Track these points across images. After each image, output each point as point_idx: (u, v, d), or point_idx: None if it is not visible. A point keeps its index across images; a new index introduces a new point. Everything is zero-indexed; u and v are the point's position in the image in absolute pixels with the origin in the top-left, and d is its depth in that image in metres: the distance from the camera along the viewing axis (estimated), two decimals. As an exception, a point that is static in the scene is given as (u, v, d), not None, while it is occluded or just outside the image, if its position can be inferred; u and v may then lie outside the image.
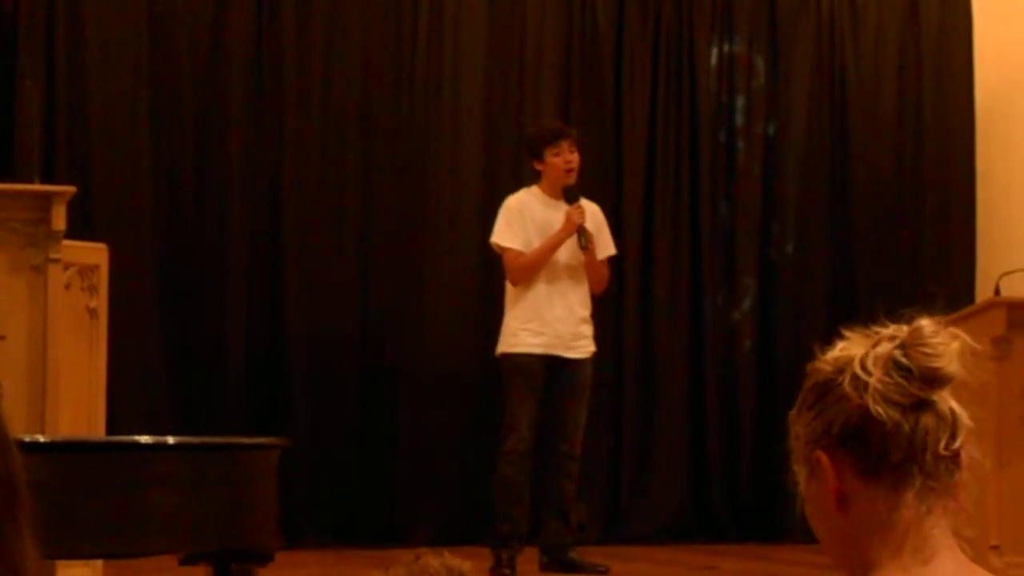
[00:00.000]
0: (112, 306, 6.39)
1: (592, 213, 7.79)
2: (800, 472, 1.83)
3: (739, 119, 9.85)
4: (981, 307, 6.99)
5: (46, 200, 5.68)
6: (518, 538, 7.62)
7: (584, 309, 7.76)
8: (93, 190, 8.26)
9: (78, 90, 8.52)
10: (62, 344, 5.67)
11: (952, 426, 1.77)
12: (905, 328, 1.79)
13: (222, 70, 8.86)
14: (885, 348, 1.77)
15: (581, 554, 7.80)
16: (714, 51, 9.81)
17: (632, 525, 9.30)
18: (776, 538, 8.92)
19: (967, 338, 1.78)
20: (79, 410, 6.12)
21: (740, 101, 9.85)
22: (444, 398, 9.00)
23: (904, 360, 1.76)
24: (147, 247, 8.57)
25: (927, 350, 1.76)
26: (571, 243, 7.67)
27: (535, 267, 7.65)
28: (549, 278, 7.68)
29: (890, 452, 1.76)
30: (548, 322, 7.64)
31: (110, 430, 6.54)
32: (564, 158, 7.71)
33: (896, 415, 1.75)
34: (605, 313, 8.81)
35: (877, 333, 1.80)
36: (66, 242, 5.78)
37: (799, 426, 1.82)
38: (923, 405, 1.76)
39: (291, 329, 8.85)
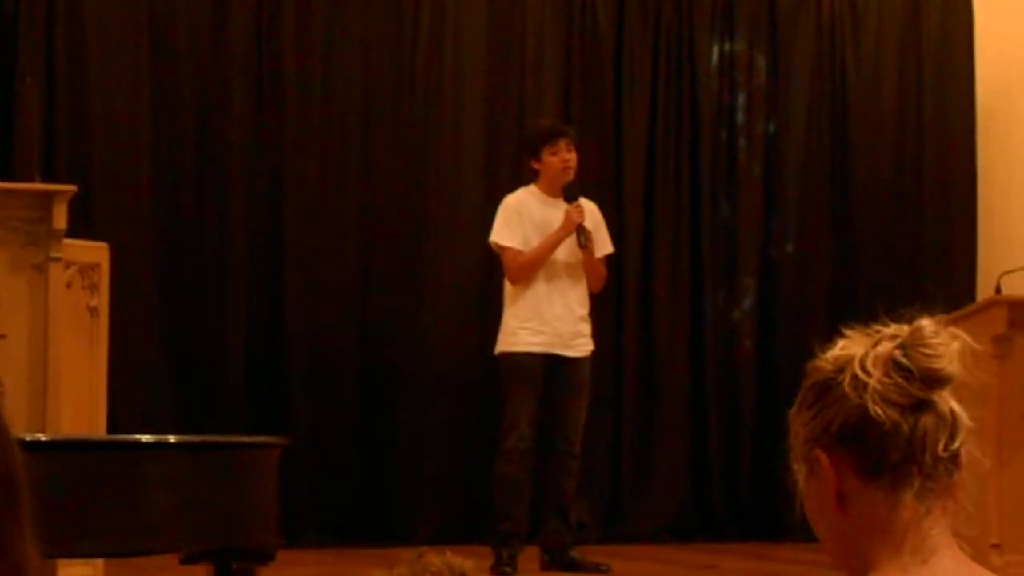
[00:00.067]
0: (112, 305, 6.39)
1: (590, 212, 7.80)
2: (799, 470, 1.83)
3: (739, 118, 9.85)
4: (982, 306, 6.99)
5: (47, 199, 5.68)
6: (519, 537, 7.62)
7: (583, 308, 7.76)
8: (93, 189, 8.26)
9: (78, 89, 8.52)
10: (63, 343, 5.67)
11: (952, 427, 1.77)
12: (906, 328, 1.79)
13: (222, 69, 8.86)
14: (885, 348, 1.77)
15: (582, 553, 7.80)
16: (715, 50, 9.81)
17: (632, 524, 9.30)
18: (776, 537, 8.92)
19: (968, 338, 1.78)
20: (80, 409, 6.12)
21: (740, 100, 9.85)
22: (444, 397, 9.00)
23: (904, 360, 1.76)
24: (147, 246, 8.57)
25: (927, 351, 1.76)
26: (570, 242, 7.68)
27: (534, 266, 7.66)
28: (548, 277, 7.69)
29: (889, 452, 1.76)
30: (547, 321, 7.65)
31: (111, 429, 6.54)
32: (561, 157, 7.71)
33: (895, 415, 1.75)
34: (605, 312, 8.81)
35: (878, 332, 1.80)
36: (67, 241, 5.78)
37: (798, 424, 1.82)
38: (923, 405, 1.76)
39: (291, 328, 8.85)
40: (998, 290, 7.20)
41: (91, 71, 8.54)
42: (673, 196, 9.63)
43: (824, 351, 1.82)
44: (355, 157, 9.08)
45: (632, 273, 9.45)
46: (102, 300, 6.30)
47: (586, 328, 7.78)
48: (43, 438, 4.75)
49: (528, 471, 7.68)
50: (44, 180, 6.61)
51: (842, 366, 1.78)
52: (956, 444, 1.77)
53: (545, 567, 7.74)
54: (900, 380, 1.75)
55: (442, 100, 9.24)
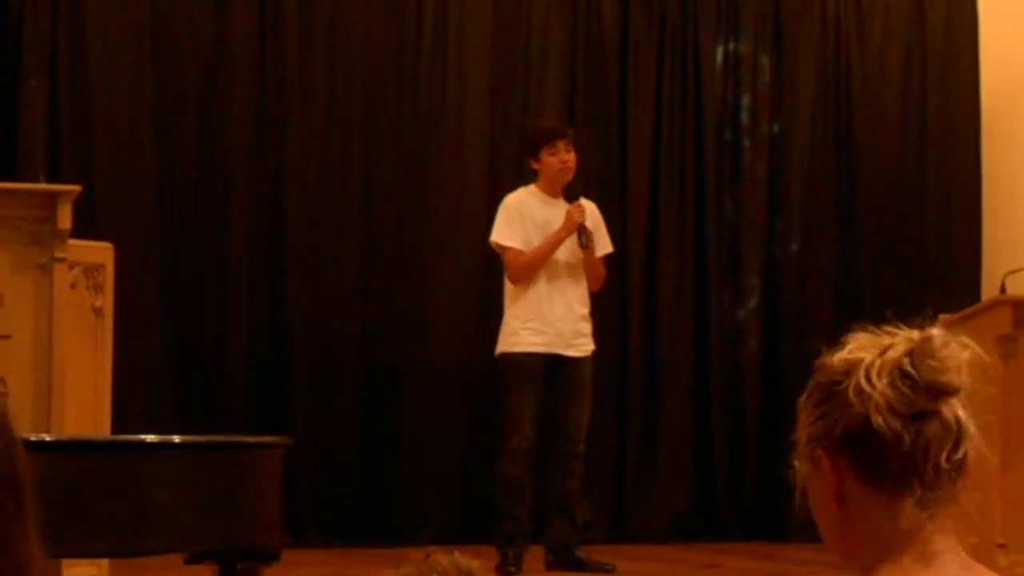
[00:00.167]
0: (115, 305, 6.39)
1: (590, 211, 7.80)
2: (803, 467, 1.82)
3: (744, 118, 9.85)
4: (987, 305, 6.98)
5: (51, 199, 5.67)
6: (523, 536, 7.63)
7: (583, 307, 7.77)
8: (96, 189, 8.26)
9: (82, 89, 8.52)
10: (67, 343, 5.67)
11: (956, 436, 1.75)
12: (916, 335, 1.77)
13: (225, 69, 8.86)
14: (893, 356, 1.76)
15: (587, 553, 7.81)
16: (719, 50, 9.81)
17: (637, 524, 9.29)
18: (781, 537, 8.92)
19: (978, 349, 1.77)
20: (84, 409, 6.12)
21: (745, 100, 9.85)
22: (445, 397, 9.00)
23: (911, 371, 1.74)
24: (150, 246, 8.57)
25: (934, 363, 1.74)
26: (570, 241, 7.68)
27: (535, 266, 7.66)
28: (549, 276, 7.69)
29: (889, 461, 1.75)
30: (549, 321, 7.65)
31: (115, 429, 6.53)
32: (560, 157, 7.72)
33: (897, 426, 1.74)
34: (609, 312, 8.81)
35: (890, 335, 1.79)
36: (71, 241, 5.77)
37: (804, 420, 1.82)
38: (927, 415, 1.75)
39: (293, 328, 8.85)
40: (1003, 290, 7.19)
41: (94, 71, 8.54)
42: (677, 196, 9.62)
43: (835, 349, 1.80)
44: (357, 157, 9.07)
45: (636, 273, 9.44)
46: (107, 300, 6.30)
47: (587, 327, 7.78)
48: (47, 438, 4.74)
49: (530, 471, 7.69)
50: (48, 180, 6.62)
51: (849, 370, 1.77)
52: (959, 454, 1.76)
53: (550, 567, 7.74)
54: (905, 390, 1.74)
55: (445, 100, 9.23)
